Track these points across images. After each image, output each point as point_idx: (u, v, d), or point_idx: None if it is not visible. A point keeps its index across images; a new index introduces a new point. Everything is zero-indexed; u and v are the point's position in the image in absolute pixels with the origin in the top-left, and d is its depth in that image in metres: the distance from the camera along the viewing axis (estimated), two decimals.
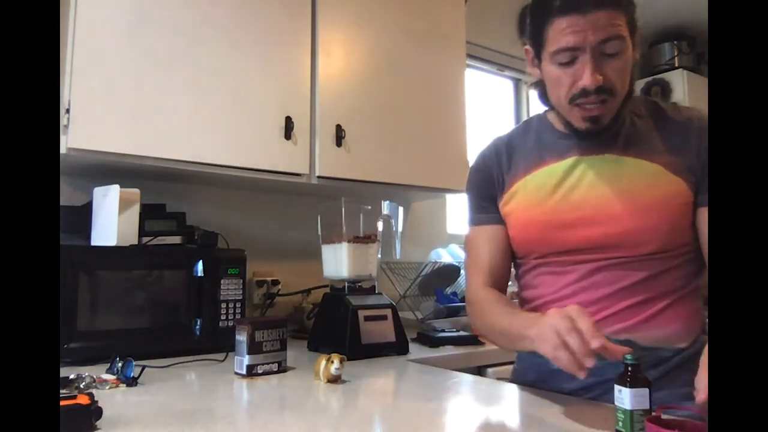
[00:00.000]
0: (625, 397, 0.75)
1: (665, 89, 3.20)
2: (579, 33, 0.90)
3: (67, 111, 1.30)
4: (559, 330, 0.78)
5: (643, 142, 0.99)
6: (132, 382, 1.07)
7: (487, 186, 1.13)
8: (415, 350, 1.54)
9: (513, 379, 1.15)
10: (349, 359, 1.38)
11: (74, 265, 1.29)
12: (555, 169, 1.03)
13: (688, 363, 0.97)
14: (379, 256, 1.60)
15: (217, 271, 1.47)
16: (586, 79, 0.91)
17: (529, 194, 1.05)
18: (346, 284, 1.53)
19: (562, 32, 0.91)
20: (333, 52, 1.76)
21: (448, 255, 2.26)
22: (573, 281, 1.02)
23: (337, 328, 1.45)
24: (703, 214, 0.96)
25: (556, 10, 0.91)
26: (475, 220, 1.15)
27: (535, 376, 1.07)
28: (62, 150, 1.30)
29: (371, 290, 1.55)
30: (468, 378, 1.19)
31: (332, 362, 1.11)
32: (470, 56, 2.26)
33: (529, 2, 1.00)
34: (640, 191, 0.96)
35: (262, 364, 1.18)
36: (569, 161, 1.02)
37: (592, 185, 0.99)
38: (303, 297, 1.90)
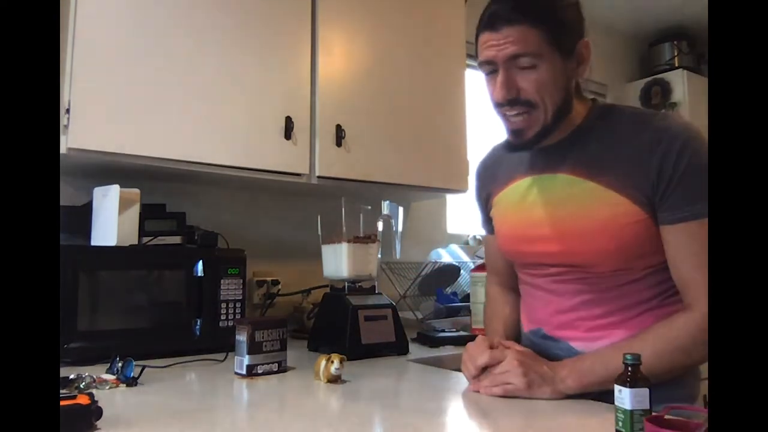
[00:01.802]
0: (625, 397, 0.75)
1: (665, 89, 3.20)
2: (493, 48, 0.94)
3: (67, 111, 1.30)
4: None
5: (594, 160, 0.97)
6: (132, 382, 1.07)
7: (480, 201, 1.23)
8: (415, 350, 1.54)
9: None
10: (349, 359, 1.38)
11: (74, 265, 1.29)
12: (519, 186, 1.08)
13: None
14: (379, 256, 1.60)
15: (217, 271, 1.47)
16: (497, 93, 0.95)
17: (504, 208, 1.13)
18: (346, 284, 1.53)
19: (482, 46, 0.96)
20: (333, 52, 1.76)
21: (448, 255, 2.26)
22: (543, 293, 1.07)
23: (337, 328, 1.45)
24: (667, 233, 0.92)
25: (481, 26, 0.96)
26: (484, 229, 1.27)
27: None
28: (62, 150, 1.30)
29: (371, 290, 1.55)
30: None
31: (332, 362, 1.11)
32: (470, 56, 2.25)
33: None
34: (586, 213, 0.96)
35: (262, 364, 1.18)
36: (528, 180, 1.06)
37: (546, 205, 1.02)
38: (303, 297, 1.90)
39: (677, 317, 0.93)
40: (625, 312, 0.98)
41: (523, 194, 1.07)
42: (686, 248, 0.91)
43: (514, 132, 0.98)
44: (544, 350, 1.05)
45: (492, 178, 1.16)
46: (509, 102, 0.95)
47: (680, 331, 0.91)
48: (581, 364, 0.95)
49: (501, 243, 1.15)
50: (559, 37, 0.93)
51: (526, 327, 1.13)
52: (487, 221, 1.22)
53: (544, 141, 0.99)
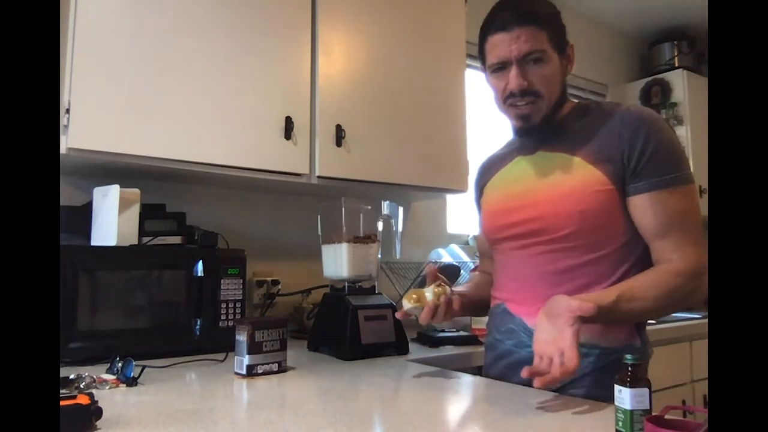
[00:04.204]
0: (625, 397, 0.75)
1: (665, 89, 3.20)
2: (506, 47, 1.07)
3: (67, 111, 1.30)
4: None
5: (572, 139, 1.10)
6: (132, 382, 1.07)
7: (476, 195, 1.35)
8: (415, 350, 1.54)
9: (483, 373, 1.25)
10: (349, 359, 1.39)
11: (74, 265, 1.29)
12: (507, 169, 1.22)
13: (611, 365, 1.00)
14: (379, 256, 1.60)
15: (217, 271, 1.47)
16: (512, 83, 1.07)
17: (492, 189, 1.25)
18: (346, 284, 1.53)
19: (494, 47, 1.09)
20: (333, 52, 1.76)
21: (448, 255, 2.26)
22: (510, 267, 1.17)
23: (337, 328, 1.45)
24: (634, 202, 1.04)
25: (492, 28, 1.09)
26: (478, 220, 1.35)
27: (500, 370, 1.17)
28: (62, 150, 1.30)
29: (371, 290, 1.55)
30: (468, 378, 1.19)
31: (440, 286, 1.15)
32: (470, 56, 2.25)
33: None
34: (560, 182, 1.08)
35: (262, 364, 1.18)
36: (516, 160, 1.20)
37: (528, 179, 1.15)
38: (303, 297, 1.90)
39: (660, 269, 1.02)
40: (578, 292, 1.04)
41: (508, 175, 1.21)
42: (659, 214, 1.02)
43: (523, 117, 1.10)
44: (503, 323, 1.16)
45: (488, 172, 1.29)
46: (521, 92, 1.07)
47: (668, 278, 1.00)
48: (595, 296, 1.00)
49: (484, 222, 1.25)
50: (558, 39, 1.09)
51: (492, 302, 1.22)
52: (480, 210, 1.32)
53: (536, 128, 1.13)
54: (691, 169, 1.06)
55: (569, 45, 1.13)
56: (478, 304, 1.29)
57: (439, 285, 1.16)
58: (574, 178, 1.07)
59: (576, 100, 1.20)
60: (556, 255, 1.08)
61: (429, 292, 1.15)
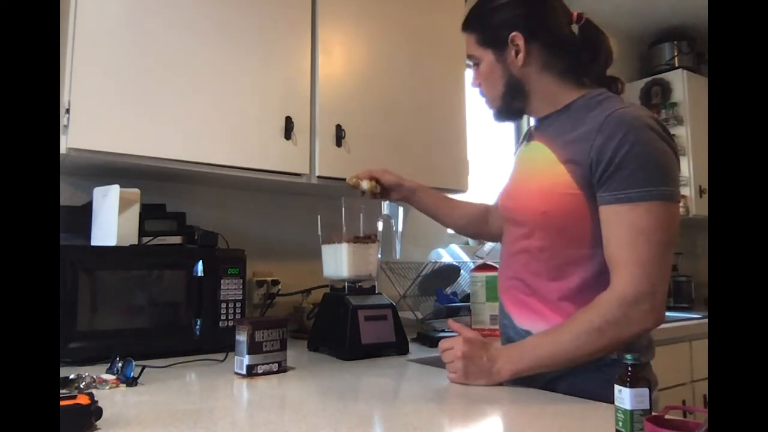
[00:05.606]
0: (625, 397, 0.75)
1: (665, 89, 3.20)
2: None
3: (67, 111, 1.30)
4: None
5: (556, 134, 1.06)
6: (132, 382, 1.07)
7: None
8: (415, 350, 1.54)
9: None
10: (349, 359, 1.39)
11: (74, 265, 1.29)
12: (520, 149, 1.23)
13: (610, 365, 0.98)
14: (379, 256, 1.60)
15: (217, 271, 1.47)
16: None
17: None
18: (346, 284, 1.53)
19: None
20: (333, 51, 1.76)
21: (448, 255, 2.26)
22: (503, 256, 1.18)
23: (337, 328, 1.45)
24: (602, 212, 0.97)
25: None
26: None
27: None
28: (62, 150, 1.30)
29: (371, 290, 1.55)
30: None
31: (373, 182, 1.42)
32: (470, 56, 2.25)
33: None
34: (534, 176, 1.08)
35: (262, 364, 1.18)
36: (527, 144, 1.18)
37: (519, 167, 1.17)
38: (303, 297, 1.90)
39: (597, 298, 0.97)
40: (538, 294, 1.06)
41: (518, 156, 1.22)
42: (615, 228, 0.96)
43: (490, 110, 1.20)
44: (502, 318, 1.16)
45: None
46: (479, 92, 1.19)
47: (593, 313, 0.96)
48: (513, 353, 1.04)
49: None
50: (489, 38, 1.12)
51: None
52: None
53: (511, 117, 1.19)
54: (672, 186, 0.95)
55: (511, 35, 1.08)
56: (434, 198, 1.47)
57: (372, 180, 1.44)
58: (548, 175, 1.03)
59: (587, 90, 1.10)
60: (527, 253, 1.07)
61: (365, 184, 1.44)
